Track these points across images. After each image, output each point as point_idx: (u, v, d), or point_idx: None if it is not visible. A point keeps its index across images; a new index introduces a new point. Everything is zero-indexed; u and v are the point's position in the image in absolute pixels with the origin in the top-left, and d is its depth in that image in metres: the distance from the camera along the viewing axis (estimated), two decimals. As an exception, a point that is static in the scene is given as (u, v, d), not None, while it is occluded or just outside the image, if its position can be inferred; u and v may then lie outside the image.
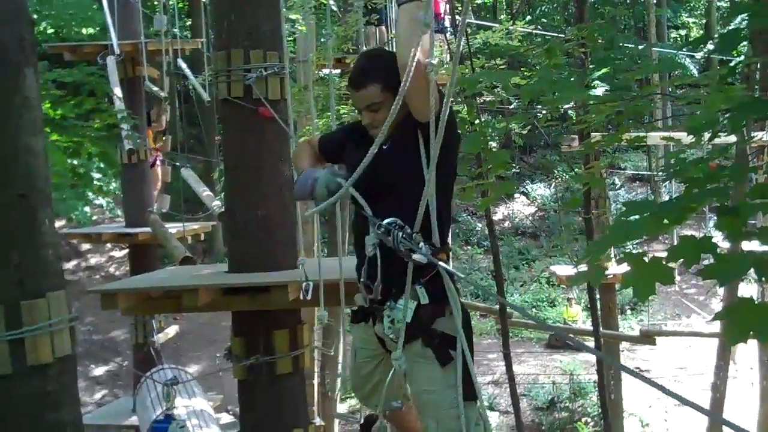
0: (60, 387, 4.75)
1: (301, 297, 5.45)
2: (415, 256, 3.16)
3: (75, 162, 14.70)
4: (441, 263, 3.19)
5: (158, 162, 13.48)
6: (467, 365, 3.40)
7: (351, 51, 13.86)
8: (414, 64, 2.96)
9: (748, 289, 18.30)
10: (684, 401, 1.74)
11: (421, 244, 3.19)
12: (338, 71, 13.48)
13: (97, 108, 14.01)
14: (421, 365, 3.52)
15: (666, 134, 5.76)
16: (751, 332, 2.23)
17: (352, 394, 20.53)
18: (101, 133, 14.19)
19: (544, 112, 5.90)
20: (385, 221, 3.27)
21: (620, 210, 3.21)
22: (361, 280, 3.66)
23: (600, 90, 4.21)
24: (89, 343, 21.08)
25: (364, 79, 3.52)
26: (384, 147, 3.35)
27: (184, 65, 12.44)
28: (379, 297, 3.58)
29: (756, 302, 2.30)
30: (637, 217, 2.59)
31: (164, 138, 13.98)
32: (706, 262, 2.42)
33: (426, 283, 3.45)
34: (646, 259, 2.48)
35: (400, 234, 3.21)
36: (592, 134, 6.75)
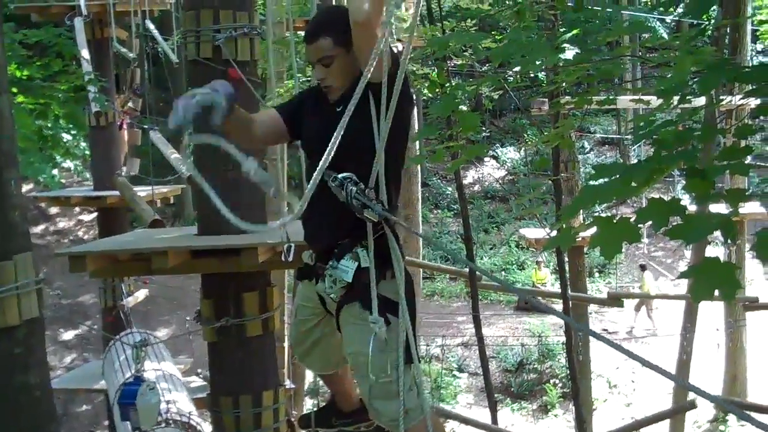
0: (27, 349, 4.74)
1: (283, 259, 5.44)
2: (366, 213, 3.19)
3: (42, 123, 14.54)
4: (394, 218, 3.22)
5: (125, 125, 13.34)
6: (407, 329, 3.40)
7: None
8: (365, 19, 3.07)
9: (714, 251, 18.50)
10: (649, 365, 1.75)
11: (374, 201, 3.23)
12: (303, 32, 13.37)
13: (64, 70, 13.83)
14: (358, 327, 3.51)
15: (635, 97, 5.76)
16: (716, 291, 2.25)
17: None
18: (68, 95, 14.02)
19: (514, 75, 5.88)
20: (341, 175, 3.28)
21: (589, 173, 3.22)
22: (306, 235, 3.74)
23: (570, 53, 4.20)
24: (58, 307, 21.01)
25: (317, 31, 3.49)
26: (338, 108, 3.41)
27: (152, 26, 12.30)
28: (316, 255, 3.65)
29: (721, 261, 2.32)
30: (605, 180, 2.60)
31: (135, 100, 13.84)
32: (675, 224, 2.44)
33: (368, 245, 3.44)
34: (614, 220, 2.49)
35: (354, 189, 3.24)
36: (562, 98, 6.75)
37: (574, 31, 4.22)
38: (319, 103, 3.65)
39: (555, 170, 9.20)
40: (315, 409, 5.05)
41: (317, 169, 3.03)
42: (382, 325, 3.40)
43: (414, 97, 3.78)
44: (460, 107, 4.75)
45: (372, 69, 3.12)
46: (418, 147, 15.29)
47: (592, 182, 2.68)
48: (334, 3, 9.93)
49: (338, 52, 3.44)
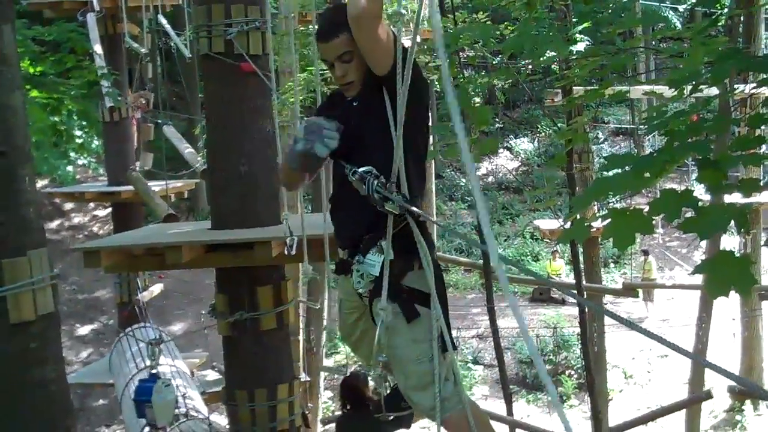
0: (43, 344, 4.76)
1: (286, 252, 5.45)
2: (388, 205, 3.21)
3: (56, 119, 14.58)
4: (415, 209, 3.23)
5: (135, 120, 13.36)
6: (439, 320, 3.44)
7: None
8: (359, 14, 3.14)
9: (730, 241, 18.40)
10: (670, 345, 1.74)
11: (395, 193, 3.25)
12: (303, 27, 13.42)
13: (77, 66, 13.88)
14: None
15: (648, 88, 5.74)
16: (732, 286, 2.23)
17: (338, 350, 20.65)
18: (81, 91, 14.06)
19: (526, 66, 5.87)
20: (361, 169, 3.32)
21: (602, 164, 3.21)
22: (334, 230, 3.77)
23: (581, 45, 4.19)
24: (74, 302, 21.08)
25: (333, 29, 3.48)
26: (354, 103, 3.53)
27: (164, 21, 12.31)
28: (347, 250, 3.66)
29: (736, 255, 2.30)
30: (618, 171, 2.59)
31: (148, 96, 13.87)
32: (689, 215, 2.43)
33: (393, 237, 3.43)
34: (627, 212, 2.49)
35: (375, 182, 3.26)
36: (575, 89, 6.72)
37: (585, 24, 4.20)
38: (336, 105, 3.69)
39: (569, 164, 9.14)
40: (384, 395, 5.14)
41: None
42: (389, 313, 3.42)
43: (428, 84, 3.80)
44: (473, 100, 4.74)
45: (378, 62, 3.24)
46: (432, 142, 15.26)
47: (604, 173, 2.67)
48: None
49: (356, 47, 3.42)
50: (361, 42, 3.30)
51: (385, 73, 3.31)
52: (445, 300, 3.52)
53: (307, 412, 8.36)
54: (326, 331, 13.47)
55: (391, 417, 5.14)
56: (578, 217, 3.02)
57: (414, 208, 3.27)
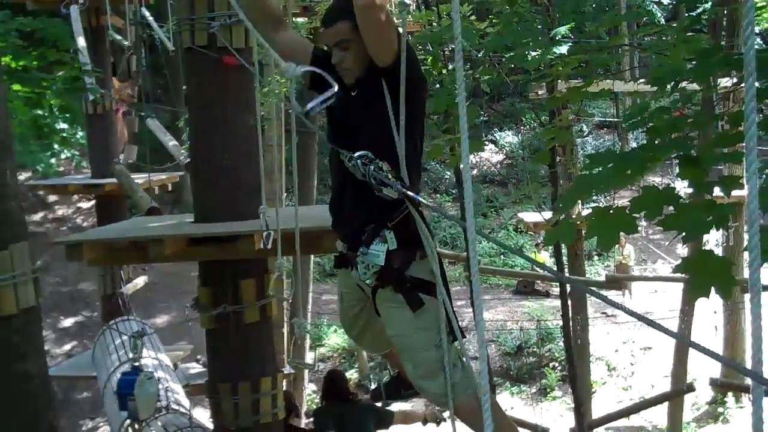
0: (25, 338, 4.75)
1: (262, 246, 5.43)
2: (386, 190, 3.22)
3: (37, 112, 14.48)
4: (412, 194, 3.24)
5: (120, 112, 13.28)
6: (445, 307, 3.48)
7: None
8: (365, 3, 3.15)
9: (712, 233, 18.44)
10: (657, 327, 1.74)
11: (392, 178, 3.28)
12: (304, 19, 13.36)
13: (60, 60, 13.79)
14: (392, 310, 3.59)
15: (632, 88, 5.75)
16: (713, 287, 2.24)
17: (322, 342, 20.61)
18: (64, 86, 13.96)
19: (508, 61, 5.85)
20: (357, 153, 3.32)
21: (584, 161, 3.23)
22: (334, 223, 3.79)
23: (564, 48, 4.20)
24: (57, 295, 20.98)
25: (336, 16, 3.53)
26: (353, 92, 3.54)
27: (147, 14, 12.24)
28: (348, 242, 3.67)
29: (717, 255, 2.31)
30: (600, 169, 2.60)
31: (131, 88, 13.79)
32: (671, 208, 2.43)
33: (394, 227, 3.48)
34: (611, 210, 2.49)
35: (372, 167, 3.27)
36: (559, 85, 6.72)
37: (569, 25, 4.21)
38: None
39: (552, 160, 9.10)
40: (384, 382, 5.22)
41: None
42: (395, 303, 3.52)
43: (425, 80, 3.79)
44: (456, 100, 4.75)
45: (382, 52, 3.29)
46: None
47: (587, 171, 2.68)
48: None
49: (356, 36, 3.44)
50: (366, 31, 3.32)
51: (387, 64, 3.35)
52: (447, 288, 3.56)
53: (294, 402, 8.41)
54: (296, 325, 13.47)
55: (375, 405, 5.19)
56: (563, 217, 3.03)
57: (413, 195, 3.28)
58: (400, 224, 3.48)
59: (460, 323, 3.59)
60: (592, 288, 14.46)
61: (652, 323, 1.68)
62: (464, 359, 3.66)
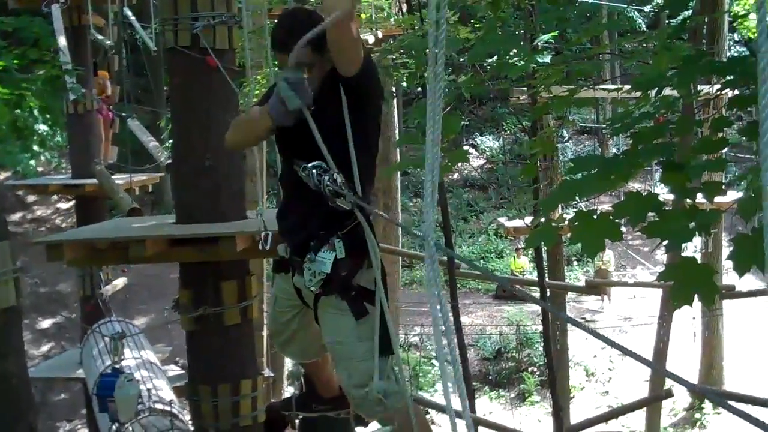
0: (4, 338, 4.73)
1: (260, 247, 5.42)
2: (339, 201, 3.25)
3: (18, 112, 14.39)
4: (368, 205, 3.25)
5: (102, 113, 13.22)
6: (384, 319, 3.46)
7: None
8: (344, 17, 3.08)
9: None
10: (626, 351, 1.75)
11: (345, 188, 3.29)
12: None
13: (40, 59, 13.72)
14: (335, 317, 3.59)
15: (614, 94, 5.77)
16: (696, 295, 2.25)
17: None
18: (44, 87, 13.88)
19: (491, 66, 5.87)
20: (310, 164, 3.32)
21: (568, 164, 3.24)
22: (282, 229, 3.78)
23: (548, 58, 4.23)
24: (36, 295, 20.89)
25: (290, 40, 3.32)
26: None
27: (129, 13, 12.22)
28: (295, 249, 3.65)
29: (699, 263, 2.32)
30: (584, 173, 2.60)
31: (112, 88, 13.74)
32: (651, 214, 2.44)
33: (344, 236, 3.48)
34: (595, 216, 2.50)
35: (326, 177, 3.27)
36: (541, 94, 6.74)
37: (552, 33, 4.23)
38: None
39: (535, 179, 9.12)
40: (295, 394, 5.12)
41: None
42: (338, 310, 3.52)
43: (387, 90, 3.80)
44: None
45: (348, 63, 3.27)
46: (398, 153, 15.32)
47: (571, 176, 2.69)
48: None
49: (316, 59, 3.40)
50: (337, 44, 3.24)
51: (352, 74, 3.32)
52: (387, 298, 3.52)
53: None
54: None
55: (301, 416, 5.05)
56: (543, 220, 3.04)
57: (366, 205, 3.29)
58: (351, 233, 3.47)
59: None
60: (561, 299, 14.49)
61: (620, 348, 1.67)
62: (398, 373, 3.63)
